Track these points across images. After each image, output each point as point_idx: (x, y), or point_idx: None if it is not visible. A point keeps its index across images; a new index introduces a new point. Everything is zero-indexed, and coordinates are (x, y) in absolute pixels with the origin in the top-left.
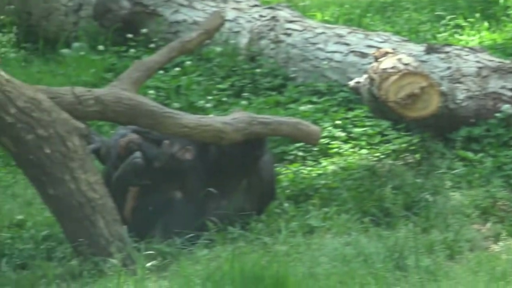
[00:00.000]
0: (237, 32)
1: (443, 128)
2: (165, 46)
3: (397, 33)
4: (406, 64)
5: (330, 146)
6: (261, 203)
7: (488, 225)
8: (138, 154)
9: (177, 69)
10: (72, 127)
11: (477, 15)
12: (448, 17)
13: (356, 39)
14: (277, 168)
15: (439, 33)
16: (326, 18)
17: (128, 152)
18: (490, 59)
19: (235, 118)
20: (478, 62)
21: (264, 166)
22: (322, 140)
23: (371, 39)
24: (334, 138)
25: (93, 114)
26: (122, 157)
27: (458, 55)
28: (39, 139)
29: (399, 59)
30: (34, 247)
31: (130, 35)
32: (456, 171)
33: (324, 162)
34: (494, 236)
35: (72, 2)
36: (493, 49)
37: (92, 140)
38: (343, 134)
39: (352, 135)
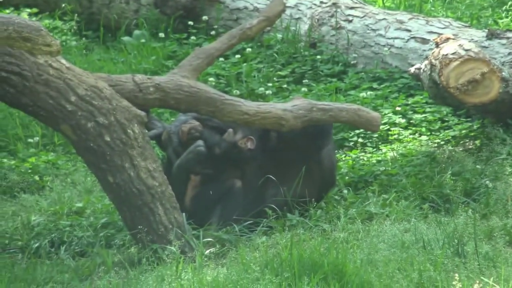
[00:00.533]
0: (298, 18)
1: (504, 114)
2: (225, 33)
3: (458, 19)
4: (467, 50)
5: (390, 132)
6: (322, 190)
7: None
8: (201, 142)
9: (238, 56)
10: (132, 114)
11: None
12: (510, 2)
13: (417, 25)
14: (337, 155)
15: (501, 18)
16: (387, 4)
17: (190, 138)
18: None
19: (295, 105)
20: None
21: (326, 154)
22: (382, 127)
23: (432, 25)
24: (394, 124)
25: (154, 102)
26: (183, 144)
27: None
28: (99, 126)
29: (460, 45)
30: (93, 235)
31: (191, 23)
32: None
33: (383, 149)
34: None
35: None
36: None
37: (154, 126)
38: (403, 121)
39: (412, 121)
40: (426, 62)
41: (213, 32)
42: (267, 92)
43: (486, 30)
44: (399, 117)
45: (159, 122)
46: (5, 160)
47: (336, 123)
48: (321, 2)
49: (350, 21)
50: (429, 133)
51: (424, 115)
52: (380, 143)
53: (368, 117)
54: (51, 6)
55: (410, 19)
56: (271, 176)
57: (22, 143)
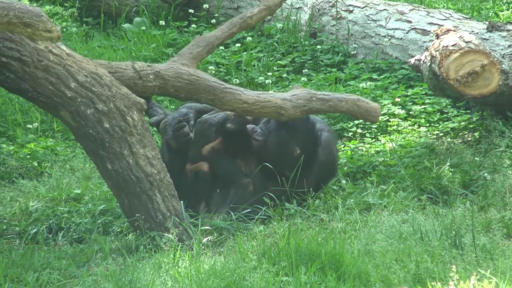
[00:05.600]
0: (299, 8)
1: (503, 106)
2: (226, 22)
3: (459, 10)
4: (467, 42)
5: (389, 123)
6: (321, 180)
7: None
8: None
9: (238, 45)
10: (132, 102)
11: None
12: None
13: (418, 16)
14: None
15: (502, 11)
16: None
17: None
18: None
19: (294, 95)
20: None
21: (325, 145)
22: (381, 118)
23: (433, 17)
24: (393, 115)
25: (153, 89)
26: (176, 137)
27: None
28: (98, 113)
29: (461, 37)
30: (91, 221)
31: (191, 11)
32: None
33: (382, 140)
34: None
35: None
36: None
37: (155, 112)
38: (402, 112)
39: (411, 112)
40: (426, 53)
41: (213, 21)
42: (266, 81)
43: (487, 22)
44: (398, 108)
45: (161, 108)
46: (4, 145)
47: (335, 113)
48: None
49: (351, 11)
50: (428, 125)
51: (423, 106)
52: (379, 134)
53: (367, 107)
54: None
55: (410, 10)
56: (267, 164)
57: (21, 128)
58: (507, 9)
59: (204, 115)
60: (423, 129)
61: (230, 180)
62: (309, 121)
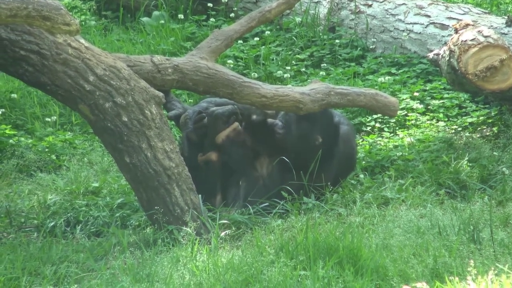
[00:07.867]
0: (317, 2)
1: None
2: (245, 16)
3: (478, 5)
4: (486, 37)
5: (407, 117)
6: (340, 174)
7: None
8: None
9: (257, 39)
10: (150, 95)
11: None
12: None
13: (437, 10)
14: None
15: None
16: None
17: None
18: None
19: (313, 89)
20: None
21: (345, 138)
22: (399, 112)
23: (451, 11)
24: (411, 110)
25: (172, 83)
26: (196, 130)
27: None
28: (117, 107)
29: (480, 31)
30: (109, 215)
31: (210, 4)
32: None
33: (401, 134)
34: None
35: None
36: None
37: (174, 106)
38: (421, 106)
39: (430, 107)
40: (445, 48)
41: (232, 14)
42: (285, 75)
43: (506, 17)
44: (416, 103)
45: (179, 103)
46: (22, 138)
47: (353, 107)
48: None
49: (370, 6)
50: (446, 119)
51: (442, 101)
52: (397, 128)
53: (385, 102)
54: None
55: (429, 4)
56: (284, 158)
57: (40, 122)
58: None
59: (212, 108)
60: (441, 123)
61: (240, 171)
62: (327, 112)
